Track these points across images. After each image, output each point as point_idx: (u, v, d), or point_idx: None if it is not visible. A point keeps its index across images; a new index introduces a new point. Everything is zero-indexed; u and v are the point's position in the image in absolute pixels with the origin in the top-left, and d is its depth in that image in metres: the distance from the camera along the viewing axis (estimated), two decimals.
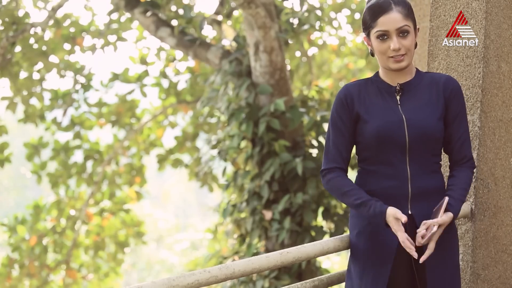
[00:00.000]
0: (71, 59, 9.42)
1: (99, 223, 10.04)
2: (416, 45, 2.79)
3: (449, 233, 2.80)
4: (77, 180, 9.84)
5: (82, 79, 9.49)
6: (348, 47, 10.43)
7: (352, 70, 10.57)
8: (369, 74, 10.36)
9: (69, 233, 9.83)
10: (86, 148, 9.86)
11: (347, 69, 10.60)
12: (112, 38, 9.37)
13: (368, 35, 2.77)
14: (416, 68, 2.87)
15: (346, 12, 9.94)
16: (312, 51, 10.10)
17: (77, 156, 10.39)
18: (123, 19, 9.28)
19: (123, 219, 10.12)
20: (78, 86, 9.53)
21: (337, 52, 10.42)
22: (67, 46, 9.13)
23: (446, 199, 2.67)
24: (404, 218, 2.63)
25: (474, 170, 3.16)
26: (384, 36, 2.72)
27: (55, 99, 9.41)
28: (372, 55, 2.82)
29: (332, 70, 10.72)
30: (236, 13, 8.51)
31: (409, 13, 2.73)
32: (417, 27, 2.80)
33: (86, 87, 9.50)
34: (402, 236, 2.64)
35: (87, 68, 9.49)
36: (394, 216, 2.65)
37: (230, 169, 7.58)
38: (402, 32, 2.71)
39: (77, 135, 9.73)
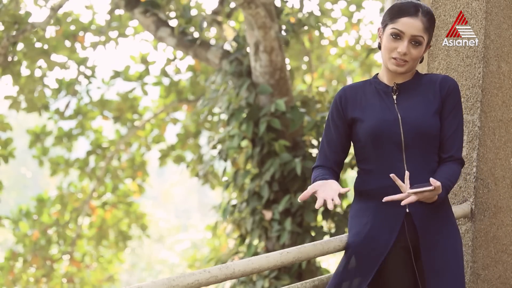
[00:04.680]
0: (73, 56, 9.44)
1: (101, 215, 10.09)
2: (422, 59, 2.82)
3: (451, 235, 2.80)
4: (80, 175, 9.88)
5: (86, 71, 9.50)
6: (341, 48, 10.43)
7: (344, 71, 10.58)
8: (361, 75, 10.39)
9: (72, 226, 9.88)
10: (90, 137, 9.90)
11: (340, 70, 10.61)
12: (113, 34, 9.39)
13: (384, 27, 2.78)
14: (416, 70, 2.89)
15: (342, 4, 9.98)
16: (312, 47, 10.12)
17: (80, 152, 10.42)
18: (124, 15, 9.28)
19: (126, 209, 10.16)
20: (81, 77, 9.55)
21: (334, 43, 10.42)
22: (68, 44, 9.15)
23: (431, 181, 2.61)
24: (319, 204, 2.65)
25: (467, 168, 3.16)
26: (397, 36, 2.74)
27: (59, 90, 9.43)
28: (379, 48, 2.83)
29: (325, 70, 10.72)
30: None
31: (430, 28, 2.76)
32: (430, 44, 2.82)
33: (90, 78, 9.52)
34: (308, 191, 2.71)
35: (91, 60, 9.50)
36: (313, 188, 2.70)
37: (230, 169, 7.58)
38: (415, 41, 2.74)
39: (80, 124, 9.77)
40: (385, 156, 2.76)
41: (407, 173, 2.62)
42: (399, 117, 2.76)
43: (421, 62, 2.83)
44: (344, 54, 10.43)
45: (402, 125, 2.75)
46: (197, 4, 8.96)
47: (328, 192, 2.67)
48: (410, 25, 2.72)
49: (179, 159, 10.08)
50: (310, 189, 2.68)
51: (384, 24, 2.79)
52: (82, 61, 9.40)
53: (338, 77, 10.53)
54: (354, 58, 10.33)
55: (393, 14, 2.76)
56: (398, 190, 2.73)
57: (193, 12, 8.39)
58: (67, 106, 9.60)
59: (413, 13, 2.73)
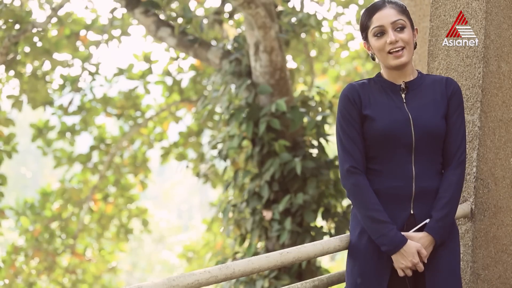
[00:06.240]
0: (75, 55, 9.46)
1: (102, 208, 10.12)
2: (415, 45, 2.81)
3: (452, 236, 2.81)
4: (82, 169, 9.92)
5: (90, 67, 9.51)
6: (357, 51, 10.44)
7: (360, 73, 10.58)
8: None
9: (75, 220, 9.93)
10: (93, 132, 9.93)
11: (356, 72, 10.61)
12: (116, 32, 9.40)
13: (366, 38, 2.80)
14: (418, 70, 2.89)
15: (353, 8, 9.97)
16: (316, 47, 10.11)
17: (83, 148, 10.46)
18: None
19: (126, 202, 10.19)
20: (85, 74, 9.56)
21: (344, 46, 10.43)
22: (70, 42, 9.17)
23: (426, 221, 2.74)
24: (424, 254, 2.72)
25: (467, 168, 3.17)
26: (381, 32, 2.75)
27: (63, 86, 9.44)
28: (373, 59, 2.84)
29: (339, 71, 10.73)
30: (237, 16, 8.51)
31: (403, 11, 2.78)
32: (415, 28, 2.83)
33: (94, 74, 9.53)
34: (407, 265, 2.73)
35: (95, 57, 9.52)
36: (418, 249, 2.71)
37: (230, 168, 7.58)
38: (397, 27, 2.75)
39: (84, 120, 9.81)
40: (393, 156, 2.75)
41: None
42: (410, 118, 2.75)
43: (414, 48, 2.82)
44: (358, 57, 10.43)
45: (414, 126, 2.74)
46: (199, 4, 8.96)
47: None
48: (384, 15, 2.75)
49: (181, 157, 10.10)
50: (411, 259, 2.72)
51: (365, 35, 2.81)
52: (86, 58, 9.41)
53: (353, 79, 10.54)
54: (368, 60, 10.34)
55: (366, 19, 2.79)
56: (404, 191, 2.74)
57: (196, 12, 8.40)
58: (70, 102, 9.63)
59: (381, 6, 2.77)
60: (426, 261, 2.72)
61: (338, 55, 10.62)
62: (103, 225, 10.15)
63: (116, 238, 10.38)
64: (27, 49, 8.67)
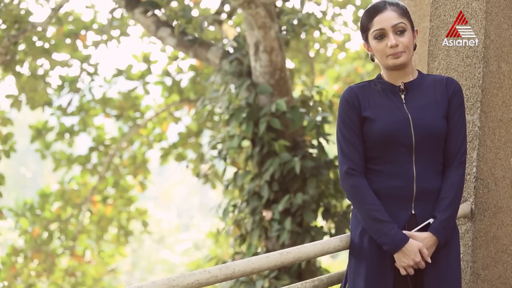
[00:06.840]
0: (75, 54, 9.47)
1: (101, 210, 10.12)
2: (415, 46, 2.82)
3: (453, 237, 2.81)
4: (82, 171, 9.91)
5: (88, 68, 9.52)
6: (357, 51, 10.43)
7: (361, 74, 10.58)
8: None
9: (74, 221, 9.93)
10: (92, 133, 9.93)
11: (356, 73, 10.61)
12: (115, 33, 9.40)
13: (366, 39, 2.80)
14: (418, 70, 2.90)
15: (350, 8, 9.95)
16: (315, 47, 10.10)
17: (82, 149, 10.47)
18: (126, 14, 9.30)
19: (125, 204, 10.19)
20: (84, 75, 9.56)
21: (341, 47, 10.43)
22: (69, 42, 9.16)
23: (430, 220, 2.74)
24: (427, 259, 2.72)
25: (467, 168, 3.17)
26: (381, 35, 2.75)
27: (62, 87, 9.45)
28: (373, 60, 2.85)
29: (340, 72, 10.72)
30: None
31: (404, 13, 2.78)
32: (416, 29, 2.83)
33: (93, 75, 9.54)
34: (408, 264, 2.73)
35: (94, 58, 9.53)
36: (420, 247, 2.70)
37: (230, 169, 7.57)
38: (398, 30, 2.75)
39: (82, 121, 9.81)
40: (394, 157, 2.75)
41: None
42: (410, 118, 2.76)
43: (414, 49, 2.82)
44: (358, 58, 10.42)
45: (413, 126, 2.75)
46: (196, 5, 8.96)
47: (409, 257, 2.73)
48: (385, 18, 2.75)
49: (180, 158, 10.09)
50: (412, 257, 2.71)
51: (365, 36, 2.81)
52: (85, 59, 9.41)
53: (354, 80, 10.53)
54: (368, 60, 10.34)
55: (366, 21, 2.79)
56: (405, 191, 2.74)
57: (195, 13, 8.39)
58: (69, 103, 9.63)
59: (382, 8, 2.76)
60: (429, 260, 2.71)
61: (335, 56, 10.62)
62: (103, 227, 10.14)
63: (117, 242, 10.38)
64: (26, 48, 8.67)
